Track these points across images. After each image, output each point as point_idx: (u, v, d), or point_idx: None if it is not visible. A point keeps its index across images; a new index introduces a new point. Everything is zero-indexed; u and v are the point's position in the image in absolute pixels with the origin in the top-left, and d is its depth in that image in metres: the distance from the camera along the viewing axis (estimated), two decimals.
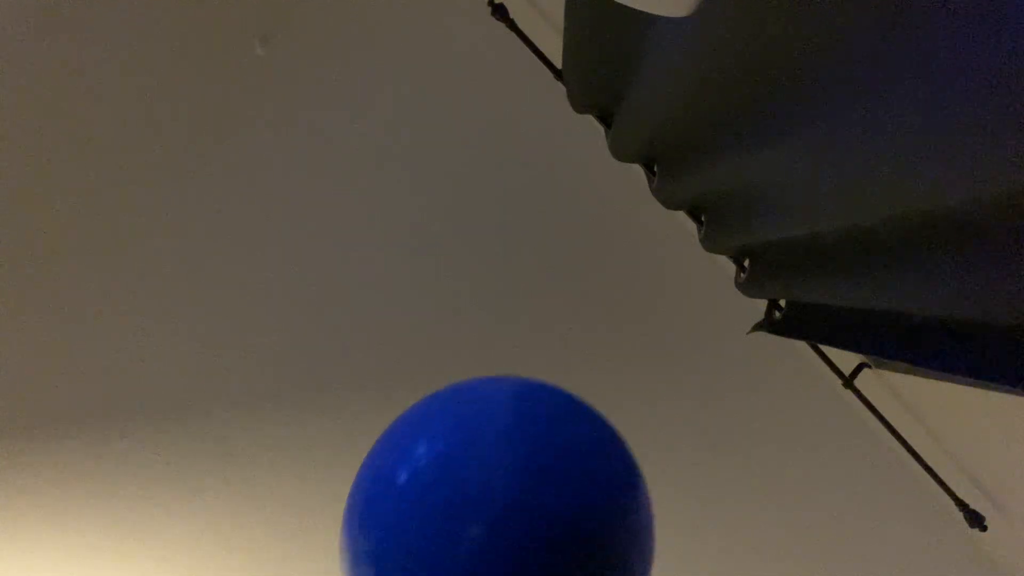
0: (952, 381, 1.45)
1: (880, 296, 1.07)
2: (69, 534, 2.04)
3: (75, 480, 2.04)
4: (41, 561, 2.02)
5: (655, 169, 1.62)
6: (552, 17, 1.78)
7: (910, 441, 1.81)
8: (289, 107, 2.09)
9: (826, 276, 1.20)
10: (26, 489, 2.02)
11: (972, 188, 0.69)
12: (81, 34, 1.92)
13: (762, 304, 1.72)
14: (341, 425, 2.09)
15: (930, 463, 1.80)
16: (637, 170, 1.71)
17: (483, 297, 2.16)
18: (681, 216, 1.72)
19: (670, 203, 1.67)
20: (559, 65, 1.70)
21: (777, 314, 1.67)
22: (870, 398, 1.81)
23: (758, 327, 1.68)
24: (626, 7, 0.75)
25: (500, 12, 1.73)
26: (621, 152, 1.67)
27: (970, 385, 1.40)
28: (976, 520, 1.77)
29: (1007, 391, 1.20)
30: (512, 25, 1.75)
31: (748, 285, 1.58)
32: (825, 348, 1.82)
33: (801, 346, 1.89)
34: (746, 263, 1.59)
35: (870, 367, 1.81)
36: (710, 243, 1.61)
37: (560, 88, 1.72)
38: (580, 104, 1.67)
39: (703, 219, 1.62)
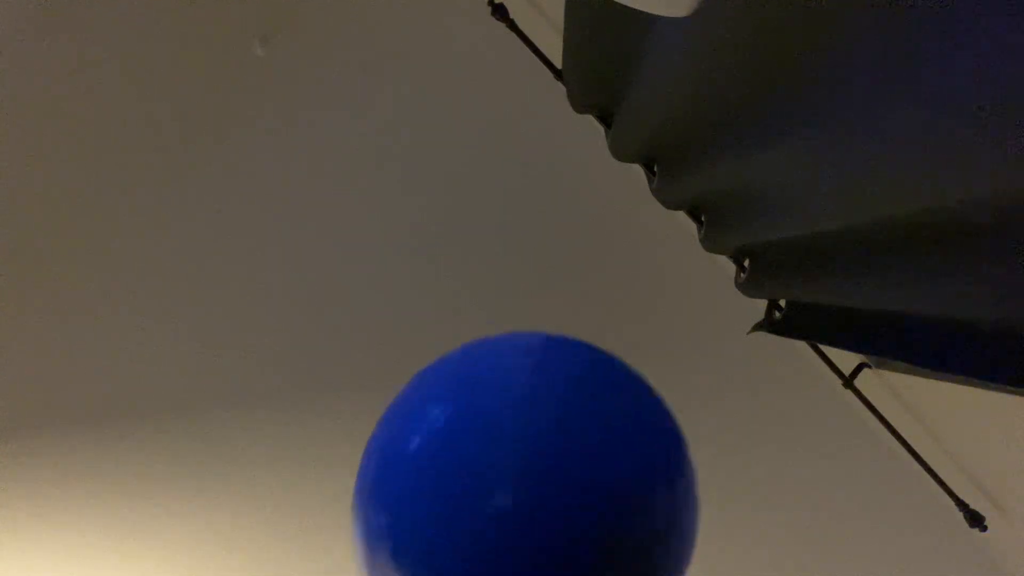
0: (952, 381, 1.45)
1: (880, 296, 1.07)
2: (69, 534, 2.04)
3: (75, 480, 2.04)
4: (41, 561, 2.02)
5: (655, 169, 1.62)
6: (552, 17, 1.78)
7: (910, 441, 1.81)
8: (289, 107, 2.09)
9: (826, 276, 1.20)
10: (26, 489, 2.02)
11: (972, 188, 0.69)
12: (81, 34, 1.92)
13: (762, 304, 1.71)
14: (341, 425, 2.08)
15: (930, 463, 1.80)
16: (637, 170, 1.71)
17: (483, 297, 2.16)
18: (681, 216, 1.71)
19: (670, 203, 1.67)
20: (559, 65, 1.70)
21: (777, 314, 1.67)
22: (870, 398, 1.81)
23: (758, 327, 1.68)
24: (626, 7, 0.75)
25: (500, 12, 1.73)
26: (621, 152, 1.67)
27: (970, 385, 1.40)
28: (976, 520, 1.77)
29: (1007, 391, 1.20)
30: (512, 25, 1.75)
31: (748, 285, 1.57)
32: (825, 348, 1.82)
33: (801, 346, 1.89)
34: (746, 263, 1.59)
35: (870, 367, 1.81)
36: (710, 243, 1.61)
37: (560, 88, 1.72)
38: (580, 104, 1.67)
39: (703, 219, 1.62)
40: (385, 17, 2.09)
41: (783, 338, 1.60)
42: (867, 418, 1.86)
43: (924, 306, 0.99)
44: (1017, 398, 1.27)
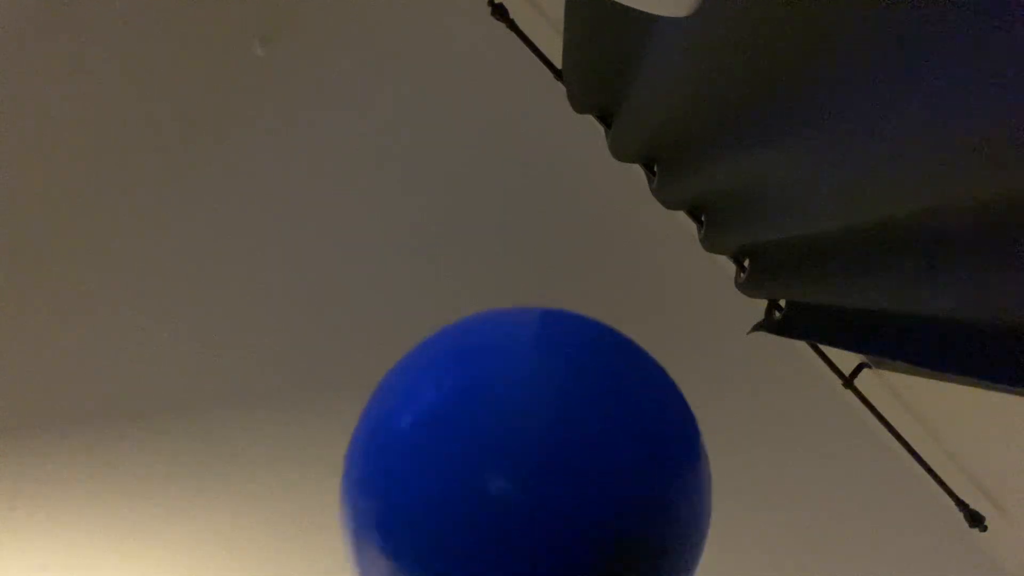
0: (952, 381, 1.45)
1: (880, 296, 1.07)
2: (69, 534, 2.04)
3: (75, 480, 2.04)
4: (41, 561, 2.02)
5: (655, 169, 1.62)
6: (552, 17, 1.78)
7: (910, 441, 1.80)
8: (289, 107, 2.09)
9: (826, 276, 1.20)
10: (26, 489, 2.02)
11: (972, 188, 0.69)
12: (81, 34, 1.92)
13: (762, 304, 1.71)
14: (341, 425, 2.08)
15: (930, 463, 1.80)
16: (637, 170, 1.71)
17: (483, 297, 2.15)
18: (681, 216, 1.71)
19: (670, 203, 1.67)
20: (559, 65, 1.70)
21: (777, 314, 1.67)
22: (870, 398, 1.81)
23: (758, 327, 1.68)
24: (626, 7, 0.75)
25: (500, 12, 1.72)
26: (621, 152, 1.67)
27: (970, 385, 1.40)
28: (976, 520, 1.77)
29: (1007, 391, 1.20)
30: (512, 25, 1.75)
31: (748, 285, 1.57)
32: (825, 348, 1.82)
33: (801, 346, 1.89)
34: (746, 263, 1.59)
35: (870, 367, 1.81)
36: (710, 243, 1.61)
37: (560, 88, 1.71)
38: (580, 104, 1.66)
39: (703, 219, 1.62)
40: (385, 17, 2.09)
41: (783, 338, 1.60)
42: (867, 418, 1.86)
43: (924, 306, 0.99)
44: (1017, 398, 1.27)
